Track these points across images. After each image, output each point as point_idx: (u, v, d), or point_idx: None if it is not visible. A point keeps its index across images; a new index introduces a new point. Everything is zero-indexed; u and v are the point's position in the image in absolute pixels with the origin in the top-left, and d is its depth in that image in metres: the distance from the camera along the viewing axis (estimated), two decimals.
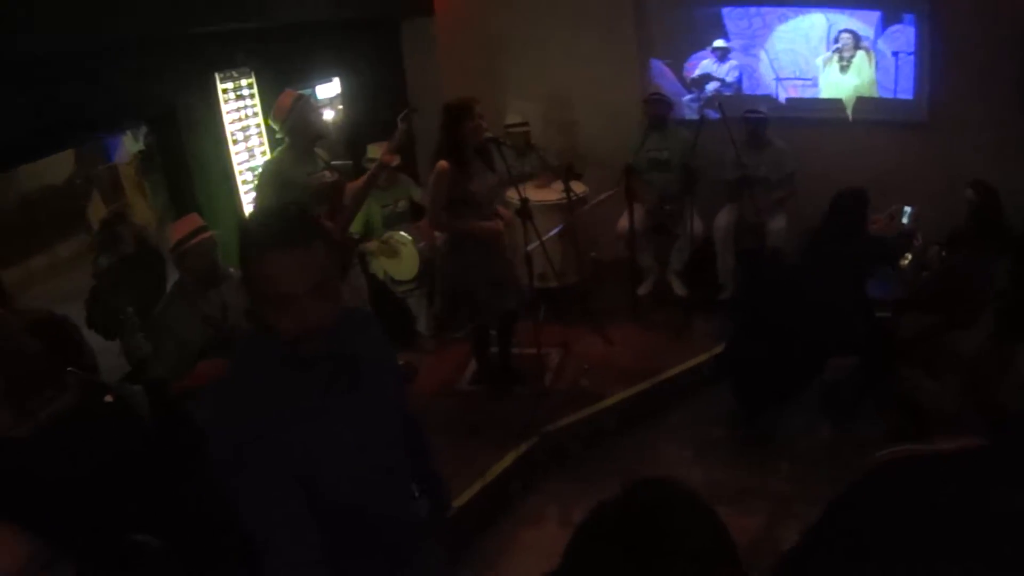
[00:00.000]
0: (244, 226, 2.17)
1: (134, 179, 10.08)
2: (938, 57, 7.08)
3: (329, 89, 7.40)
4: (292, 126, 5.35)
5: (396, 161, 5.96)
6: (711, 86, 7.96)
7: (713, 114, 7.31)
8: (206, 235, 4.65)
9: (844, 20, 7.34)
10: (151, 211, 8.72)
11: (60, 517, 2.38)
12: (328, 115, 6.82)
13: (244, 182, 6.12)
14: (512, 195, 5.73)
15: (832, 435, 5.48)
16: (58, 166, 10.04)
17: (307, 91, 5.92)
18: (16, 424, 3.41)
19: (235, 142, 6.11)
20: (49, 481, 3.12)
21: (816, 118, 7.63)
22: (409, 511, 2.59)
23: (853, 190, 5.39)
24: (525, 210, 5.57)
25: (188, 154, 5.87)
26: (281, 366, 2.14)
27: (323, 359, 2.16)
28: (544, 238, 5.62)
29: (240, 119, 6.14)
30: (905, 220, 6.33)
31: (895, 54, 7.29)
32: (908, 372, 5.14)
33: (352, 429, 2.25)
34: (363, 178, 5.69)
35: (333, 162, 5.68)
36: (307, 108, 5.46)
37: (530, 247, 5.72)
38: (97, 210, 10.68)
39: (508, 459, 5.30)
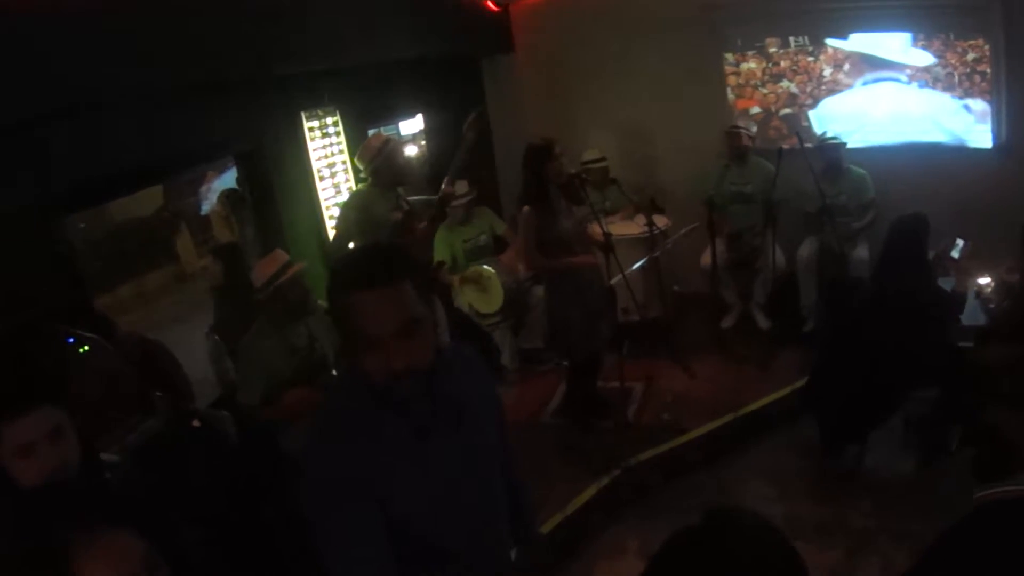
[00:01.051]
0: (333, 265, 2.30)
1: (221, 214, 10.39)
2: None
3: (412, 125, 7.57)
4: (377, 168, 5.54)
5: (465, 210, 6.13)
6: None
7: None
8: (296, 268, 4.72)
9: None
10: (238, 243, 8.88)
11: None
12: (411, 150, 6.96)
13: (330, 217, 6.28)
14: (595, 230, 5.80)
15: (916, 469, 5.35)
16: (147, 199, 10.38)
17: (392, 130, 6.07)
18: (102, 448, 3.59)
19: (321, 178, 6.30)
20: (133, 501, 3.23)
21: (895, 143, 7.51)
22: (500, 555, 2.53)
23: (906, 219, 5.28)
24: (608, 244, 5.60)
25: (275, 189, 6.03)
26: (375, 407, 2.11)
27: (419, 400, 2.12)
28: (627, 271, 5.65)
29: (326, 156, 6.33)
30: (955, 254, 6.23)
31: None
32: (993, 405, 5.07)
33: (449, 473, 2.21)
34: (427, 218, 5.89)
35: (416, 197, 5.85)
36: (394, 153, 5.63)
37: (613, 280, 5.77)
38: (184, 243, 11.02)
39: (590, 492, 5.34)
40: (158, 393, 4.11)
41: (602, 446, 5.81)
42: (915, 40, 7.12)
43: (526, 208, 5.42)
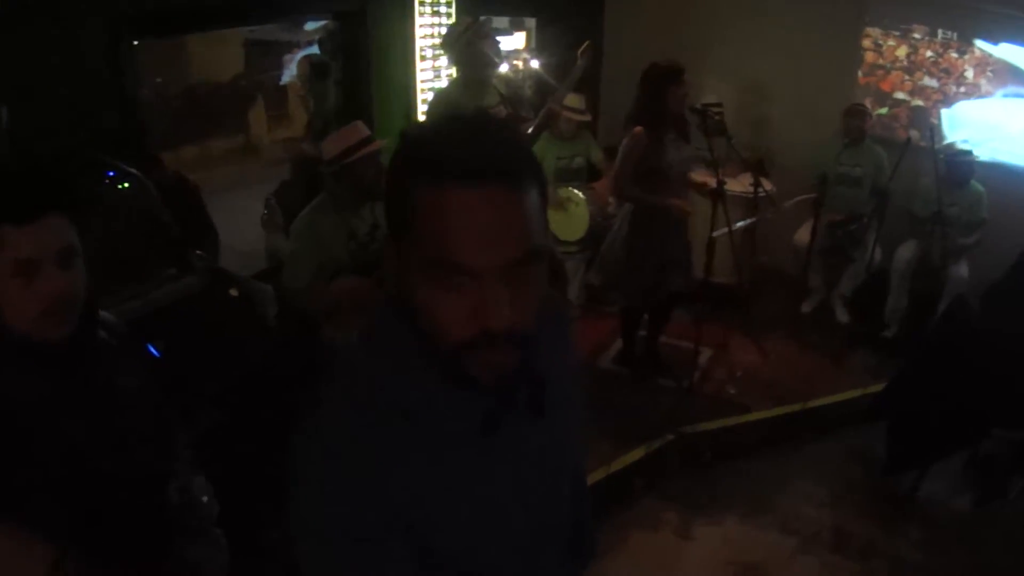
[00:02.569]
0: (412, 133, 1.31)
1: (298, 90, 10.22)
2: None
3: (512, 42, 7.19)
4: (460, 55, 5.14)
5: (556, 114, 5.72)
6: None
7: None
8: (374, 146, 4.24)
9: None
10: (305, 126, 8.67)
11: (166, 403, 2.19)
12: (505, 67, 6.55)
13: (423, 101, 5.92)
14: (703, 176, 5.44)
15: (973, 510, 5.09)
16: (227, 66, 10.20)
17: (482, 18, 5.65)
18: (130, 298, 3.27)
19: (423, 58, 5.92)
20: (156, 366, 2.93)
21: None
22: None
23: None
24: (720, 193, 5.27)
25: (371, 59, 5.68)
26: (432, 380, 1.30)
27: (502, 377, 1.29)
28: (734, 227, 5.34)
29: (431, 36, 5.94)
30: None
31: None
32: None
33: (516, 480, 1.44)
34: (532, 125, 5.47)
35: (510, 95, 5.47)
36: (477, 35, 5.20)
37: (716, 233, 5.43)
38: (257, 114, 10.84)
39: (637, 453, 5.07)
40: (198, 252, 3.81)
41: (658, 407, 5.56)
42: None
43: (636, 129, 5.07)
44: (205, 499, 2.23)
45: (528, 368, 1.33)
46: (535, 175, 1.25)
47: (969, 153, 6.56)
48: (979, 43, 7.06)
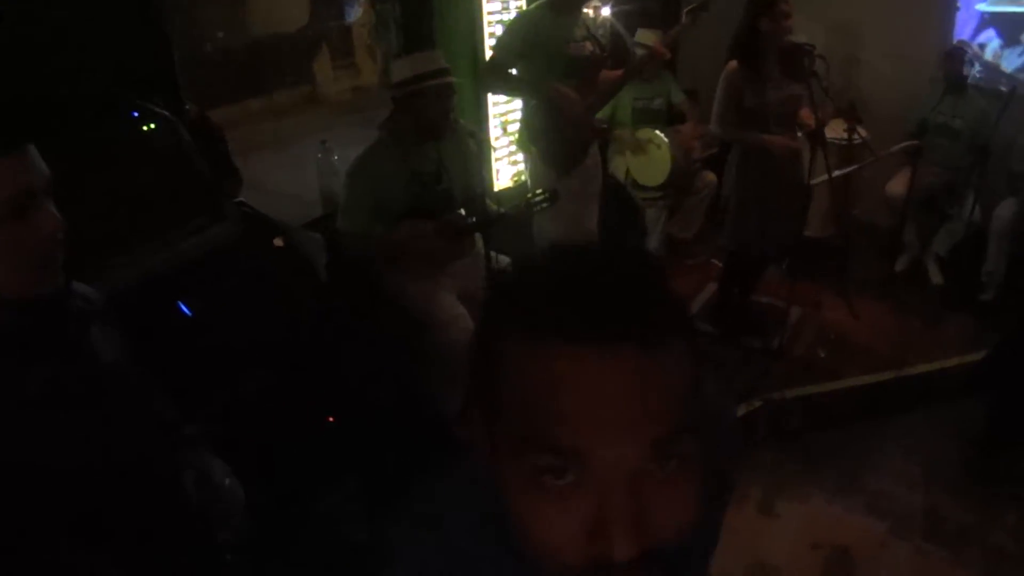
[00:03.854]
0: (507, 280, 0.96)
1: (365, 40, 10.05)
2: None
3: None
4: None
5: (667, 56, 5.36)
6: None
7: None
8: (450, 78, 3.98)
9: None
10: (377, 75, 8.47)
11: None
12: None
13: (490, 35, 5.53)
14: (807, 116, 5.10)
15: None
16: (293, 17, 10.13)
17: None
18: (154, 251, 3.05)
19: None
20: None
21: None
22: None
23: None
24: (820, 135, 4.93)
25: None
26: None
27: None
28: (835, 174, 5.02)
29: None
30: None
31: None
32: None
33: None
34: (618, 72, 5.10)
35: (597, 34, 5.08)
36: None
37: (816, 181, 5.11)
38: (323, 65, 10.83)
39: None
40: (239, 201, 3.57)
41: (744, 368, 5.29)
42: None
43: (730, 63, 4.78)
44: (227, 482, 2.02)
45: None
46: (681, 327, 0.87)
47: None
48: None
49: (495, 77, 4.82)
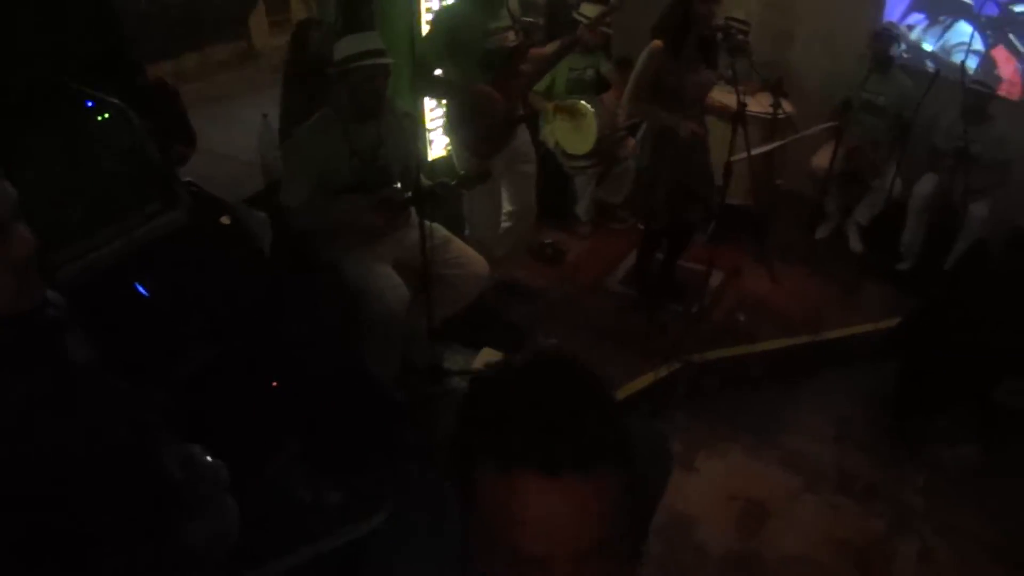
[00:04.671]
0: (478, 409, 1.16)
1: None
2: None
3: None
4: None
5: (598, 38, 5.45)
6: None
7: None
8: (384, 60, 4.06)
9: None
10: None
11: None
12: None
13: (428, 10, 5.59)
14: (723, 99, 5.21)
15: (979, 460, 5.05)
16: None
17: None
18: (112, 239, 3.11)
19: None
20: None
21: None
22: None
23: None
24: (741, 116, 5.02)
25: None
26: None
27: None
28: (754, 152, 5.16)
29: None
30: None
31: None
32: None
33: None
34: (556, 45, 5.24)
35: (523, 18, 5.16)
36: None
37: (735, 158, 5.22)
38: (259, 20, 10.64)
39: (646, 379, 4.99)
40: (188, 181, 3.63)
41: (666, 332, 5.44)
42: None
43: (655, 43, 4.84)
44: (209, 459, 2.11)
45: None
46: (620, 459, 1.10)
47: (985, 84, 6.36)
48: None
49: (422, 82, 4.95)
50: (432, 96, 5.43)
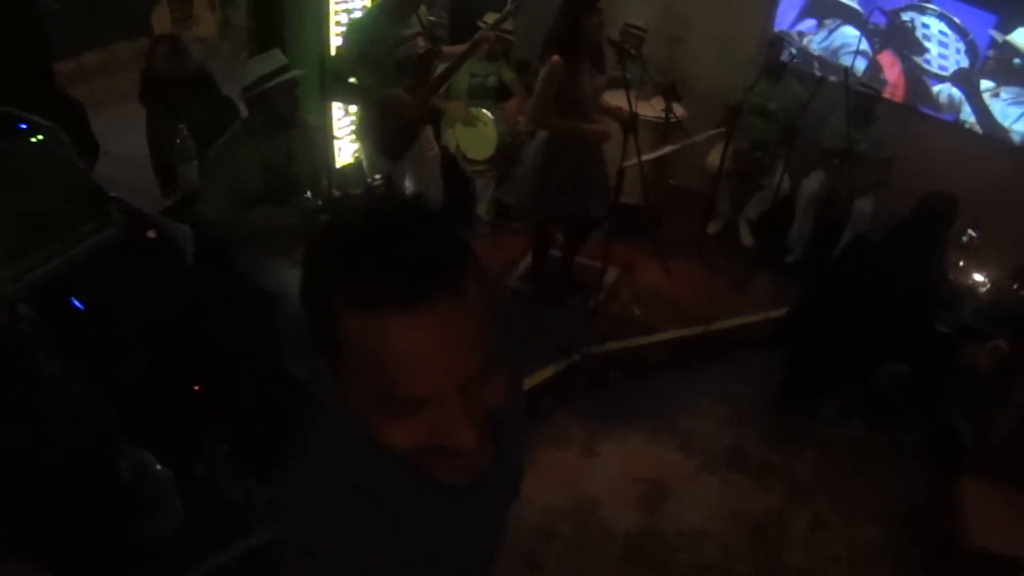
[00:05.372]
0: (324, 249, 1.10)
1: None
2: None
3: None
4: None
5: (491, 40, 5.64)
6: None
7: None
8: (289, 76, 4.25)
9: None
10: (215, 27, 8.33)
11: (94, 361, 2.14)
12: None
13: (337, 23, 5.79)
14: (615, 105, 5.43)
15: (864, 436, 5.37)
16: None
17: None
18: (49, 258, 3.20)
19: None
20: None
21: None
22: None
23: (943, 196, 5.13)
24: (632, 124, 5.27)
25: None
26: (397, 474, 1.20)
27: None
28: (644, 158, 5.39)
29: None
30: (964, 239, 6.13)
31: None
32: (956, 405, 5.14)
33: (479, 525, 1.42)
34: (459, 48, 5.47)
35: (429, 18, 5.36)
36: None
37: (626, 163, 5.45)
38: (161, 16, 10.53)
39: (546, 372, 5.16)
40: (114, 195, 3.75)
41: (565, 325, 5.66)
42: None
43: (553, 58, 5.00)
44: (159, 467, 2.24)
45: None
46: (471, 265, 1.09)
47: (871, 88, 6.70)
48: None
49: (335, 88, 5.13)
50: (345, 102, 5.61)
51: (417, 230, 1.05)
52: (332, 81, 5.08)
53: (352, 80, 5.02)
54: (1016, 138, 7.00)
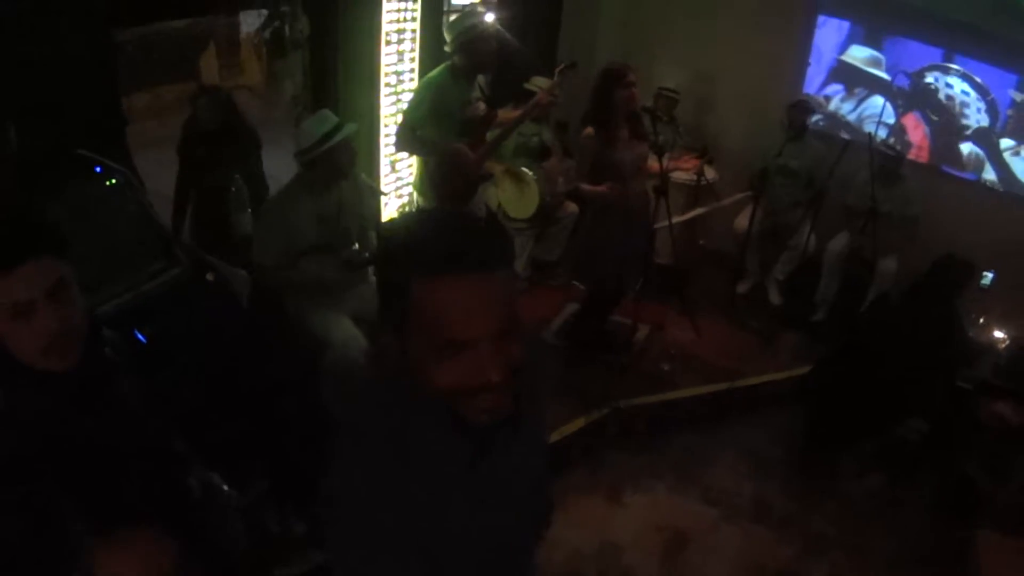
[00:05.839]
0: (396, 239, 1.54)
1: (252, 39, 10.01)
2: None
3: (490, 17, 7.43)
4: (462, 44, 5.30)
5: (551, 101, 5.94)
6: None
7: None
8: (346, 132, 4.55)
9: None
10: (262, 75, 8.52)
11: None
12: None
13: (387, 84, 6.17)
14: (652, 166, 5.71)
15: (884, 490, 5.46)
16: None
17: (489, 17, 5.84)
18: (122, 292, 3.50)
19: (388, 43, 6.14)
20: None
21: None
22: None
23: (956, 260, 5.29)
24: (664, 187, 5.55)
25: (339, 42, 5.94)
26: (431, 424, 1.58)
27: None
28: (675, 220, 5.64)
29: (398, 20, 6.18)
30: (986, 282, 6.32)
31: None
32: (973, 459, 5.23)
33: (491, 501, 1.72)
34: (512, 114, 5.75)
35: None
36: (484, 30, 5.39)
37: (658, 225, 5.71)
38: (209, 62, 10.79)
39: (578, 423, 5.35)
40: (181, 239, 4.05)
41: (597, 380, 5.82)
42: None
43: (587, 129, 5.29)
44: (225, 488, 2.51)
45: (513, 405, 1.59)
46: (504, 255, 1.51)
47: (895, 148, 6.92)
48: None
49: (406, 140, 5.51)
50: (415, 153, 5.90)
51: (468, 225, 1.52)
52: (405, 132, 5.46)
53: (419, 133, 5.37)
54: None
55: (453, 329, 1.43)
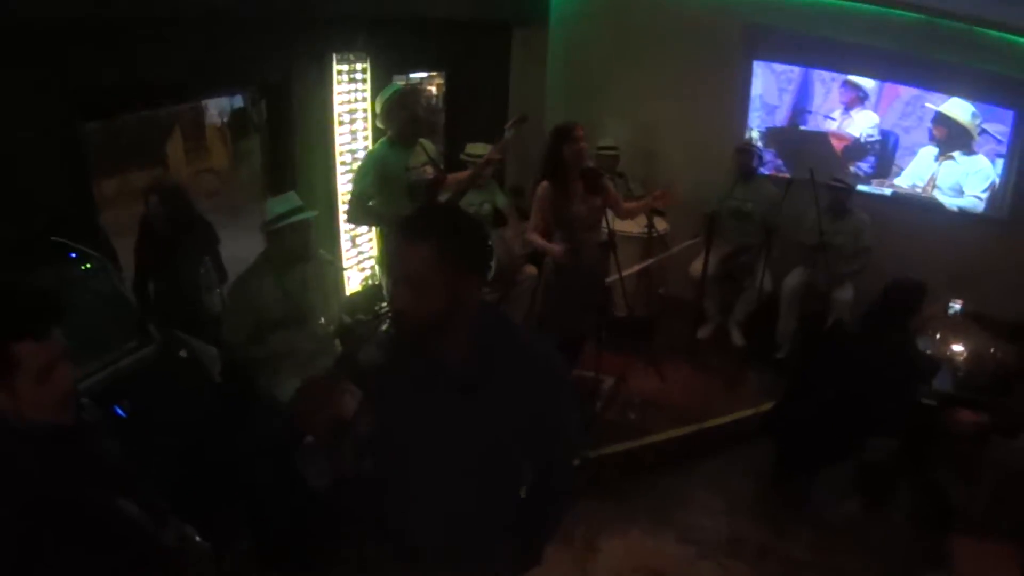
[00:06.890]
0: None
1: (217, 123, 10.14)
2: None
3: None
4: (391, 117, 5.54)
5: (501, 158, 6.10)
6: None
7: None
8: (302, 217, 4.73)
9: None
10: (228, 158, 8.60)
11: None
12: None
13: (342, 163, 6.37)
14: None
15: (859, 512, 5.52)
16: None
17: (413, 80, 6.06)
18: (97, 370, 3.63)
19: (341, 123, 6.34)
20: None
21: (900, 195, 7.72)
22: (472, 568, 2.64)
23: (906, 283, 5.37)
24: (611, 242, 5.69)
25: (294, 127, 6.10)
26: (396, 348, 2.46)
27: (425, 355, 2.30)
28: (624, 273, 5.77)
29: (349, 101, 6.38)
30: (953, 311, 6.44)
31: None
32: (943, 469, 5.28)
33: (450, 442, 2.33)
34: (465, 175, 5.94)
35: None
36: (408, 100, 5.62)
37: (610, 279, 5.85)
38: (176, 147, 10.88)
39: None
40: (153, 319, 4.19)
41: None
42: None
43: (541, 183, 5.45)
44: (198, 539, 2.64)
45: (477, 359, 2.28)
46: (435, 238, 2.14)
47: (842, 182, 7.07)
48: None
49: (358, 212, 5.69)
50: (366, 224, 6.13)
51: (428, 214, 2.35)
52: (355, 204, 5.63)
53: (371, 204, 5.56)
54: (966, 206, 7.49)
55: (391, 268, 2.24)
